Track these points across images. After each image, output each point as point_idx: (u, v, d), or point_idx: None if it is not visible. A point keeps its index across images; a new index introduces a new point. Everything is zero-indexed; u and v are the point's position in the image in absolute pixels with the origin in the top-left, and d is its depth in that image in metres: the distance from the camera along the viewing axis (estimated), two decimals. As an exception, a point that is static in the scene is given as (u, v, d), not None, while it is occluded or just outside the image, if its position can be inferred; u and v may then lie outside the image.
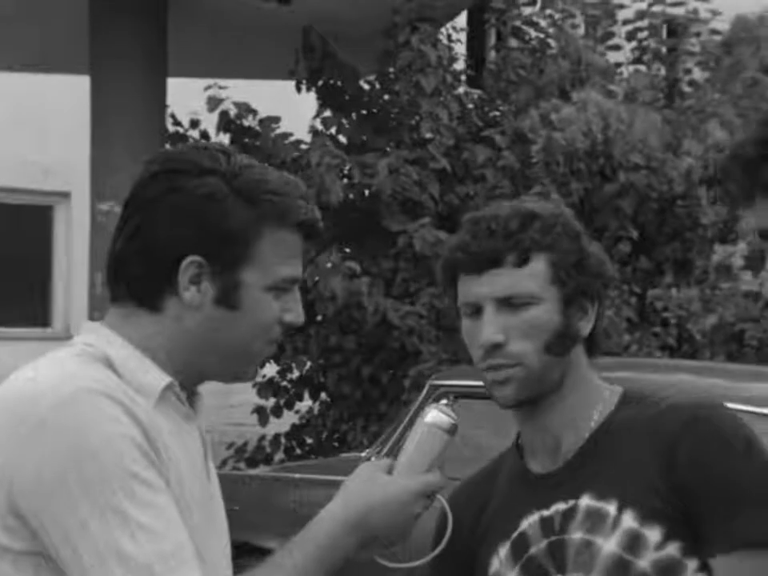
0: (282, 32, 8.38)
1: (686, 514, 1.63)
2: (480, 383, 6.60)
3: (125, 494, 1.45)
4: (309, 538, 1.58)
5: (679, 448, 1.64)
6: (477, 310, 1.73)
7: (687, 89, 8.81)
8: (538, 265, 1.70)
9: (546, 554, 1.71)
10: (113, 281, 1.61)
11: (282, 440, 8.39)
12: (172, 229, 1.56)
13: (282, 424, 8.48)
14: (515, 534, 1.74)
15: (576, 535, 1.68)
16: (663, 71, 8.87)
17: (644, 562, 1.63)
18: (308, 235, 1.62)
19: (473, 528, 1.80)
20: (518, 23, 8.65)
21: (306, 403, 8.49)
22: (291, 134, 7.85)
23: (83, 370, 1.52)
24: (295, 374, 8.17)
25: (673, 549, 1.63)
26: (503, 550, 1.75)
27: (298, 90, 8.41)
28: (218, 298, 1.57)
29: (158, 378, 1.56)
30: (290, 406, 8.32)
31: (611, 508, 1.67)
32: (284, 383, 8.23)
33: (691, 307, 7.30)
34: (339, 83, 8.16)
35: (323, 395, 8.30)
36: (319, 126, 8.05)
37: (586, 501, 1.69)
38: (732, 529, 1.61)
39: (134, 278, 1.58)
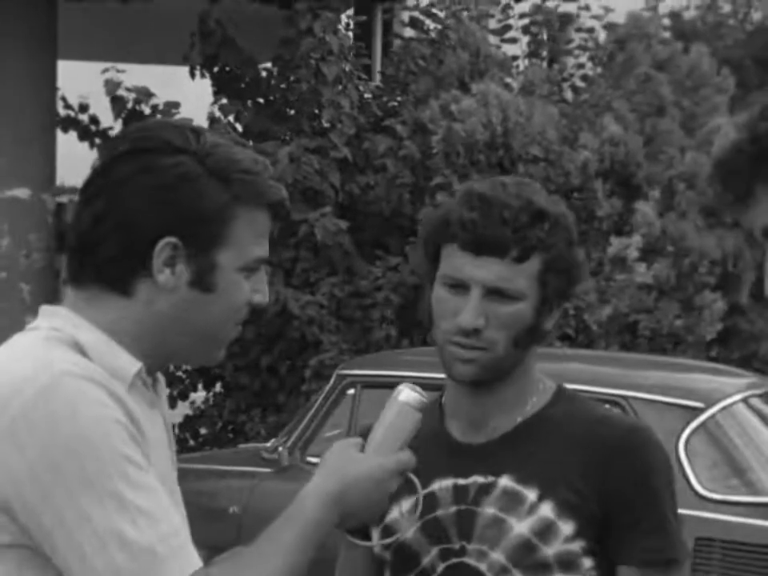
0: (177, 16, 8.24)
1: (600, 518, 1.71)
2: (385, 373, 6.54)
3: (120, 477, 1.41)
4: (296, 516, 1.55)
5: (613, 462, 1.72)
6: (460, 287, 1.74)
7: (580, 83, 8.94)
8: (534, 264, 1.73)
9: (453, 520, 1.75)
10: (77, 262, 1.55)
11: (176, 431, 8.27)
12: (146, 210, 1.52)
13: (175, 415, 8.37)
14: (423, 493, 1.75)
15: (488, 510, 1.73)
16: (556, 66, 8.98)
17: (550, 550, 1.70)
18: (276, 214, 1.60)
19: None
20: (415, 13, 8.65)
21: (199, 394, 8.39)
22: (191, 120, 7.72)
23: (58, 355, 1.47)
24: (190, 364, 8.05)
25: (577, 545, 1.70)
26: (406, 504, 1.77)
27: (192, 75, 8.28)
28: (192, 281, 1.54)
29: (129, 363, 1.52)
30: (183, 396, 8.21)
31: (531, 494, 1.72)
32: (178, 373, 8.11)
33: (587, 298, 7.41)
34: (236, 69, 8.06)
35: (218, 386, 8.21)
36: (217, 113, 7.95)
37: (505, 481, 1.73)
38: (644, 546, 1.72)
39: (104, 260, 1.53)
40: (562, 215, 1.76)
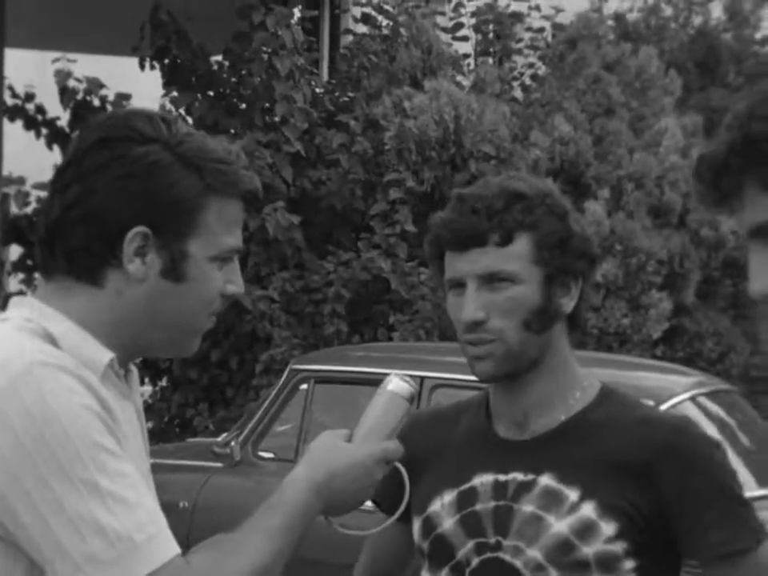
0: (128, 6, 8.16)
1: (650, 521, 1.69)
2: (339, 368, 6.51)
3: (95, 466, 1.40)
4: (281, 503, 1.54)
5: (662, 465, 1.70)
6: (460, 286, 1.76)
7: (529, 82, 8.99)
8: (521, 244, 1.73)
9: (491, 515, 1.74)
10: (47, 253, 1.54)
11: (122, 425, 8.19)
12: (116, 199, 1.50)
13: (121, 409, 8.28)
14: (465, 486, 1.77)
15: (527, 507, 1.72)
16: (506, 64, 9.02)
17: (589, 550, 1.69)
18: (249, 204, 1.59)
19: (420, 457, 1.81)
20: (367, 9, 8.65)
21: (146, 388, 8.33)
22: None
23: (29, 345, 1.46)
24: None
25: (619, 546, 1.69)
26: (448, 497, 1.78)
27: (142, 67, 8.21)
28: (163, 270, 1.53)
29: (101, 353, 1.51)
30: (130, 390, 8.14)
31: (572, 494, 1.71)
32: (125, 367, 8.03)
33: (536, 296, 7.44)
34: (188, 62, 8.01)
35: (164, 379, 8.16)
36: (168, 105, 7.88)
37: (546, 480, 1.73)
38: (707, 542, 1.70)
39: (73, 249, 1.52)
40: (546, 193, 1.75)
